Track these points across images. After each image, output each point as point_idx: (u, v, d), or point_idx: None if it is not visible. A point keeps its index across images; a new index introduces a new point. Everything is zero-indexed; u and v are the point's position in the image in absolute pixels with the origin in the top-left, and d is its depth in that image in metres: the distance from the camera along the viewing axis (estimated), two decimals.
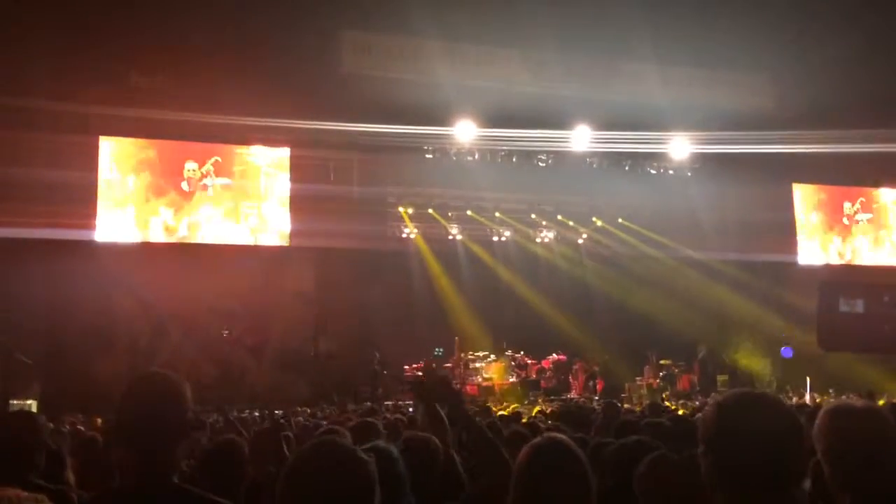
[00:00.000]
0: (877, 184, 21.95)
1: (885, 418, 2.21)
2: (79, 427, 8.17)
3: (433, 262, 19.67)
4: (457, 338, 18.35)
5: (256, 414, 10.48)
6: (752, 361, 18.59)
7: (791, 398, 13.23)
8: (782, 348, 17.94)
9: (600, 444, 4.07)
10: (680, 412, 8.46)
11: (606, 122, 17.13)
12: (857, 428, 2.17)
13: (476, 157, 18.44)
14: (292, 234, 17.64)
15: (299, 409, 12.49)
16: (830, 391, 15.34)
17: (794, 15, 14.50)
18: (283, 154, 18.03)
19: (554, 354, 18.83)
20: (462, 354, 18.21)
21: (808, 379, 15.47)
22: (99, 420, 9.53)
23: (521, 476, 2.41)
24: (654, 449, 3.34)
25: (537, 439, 2.55)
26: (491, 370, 18.05)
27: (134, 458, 2.29)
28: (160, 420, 2.28)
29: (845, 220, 21.88)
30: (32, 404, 14.01)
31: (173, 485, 2.27)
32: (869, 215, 22.10)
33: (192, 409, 2.37)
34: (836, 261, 21.38)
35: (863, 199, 22.09)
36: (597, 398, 15.77)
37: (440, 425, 3.33)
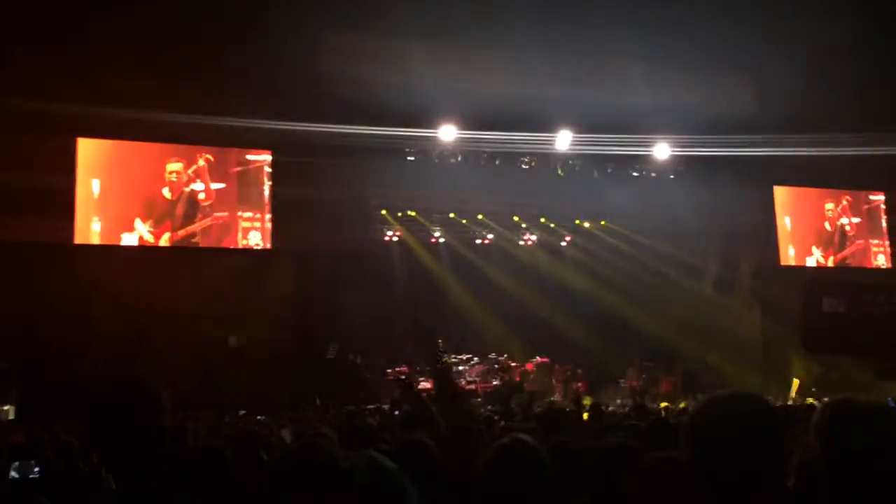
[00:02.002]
0: (859, 186, 22.13)
1: (892, 417, 2.10)
2: (59, 434, 8.02)
3: (416, 264, 19.65)
4: (440, 340, 18.30)
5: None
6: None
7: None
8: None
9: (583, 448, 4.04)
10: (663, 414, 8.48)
11: (589, 125, 17.20)
12: (860, 426, 2.06)
13: (459, 159, 18.44)
14: (274, 237, 17.54)
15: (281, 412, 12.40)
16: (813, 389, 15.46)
17: (776, 18, 14.61)
18: (265, 157, 17.91)
19: (537, 357, 18.86)
20: (445, 358, 18.17)
21: (796, 381, 15.54)
22: (77, 427, 9.38)
23: (485, 475, 2.43)
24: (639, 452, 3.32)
25: (502, 439, 2.57)
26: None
27: (109, 465, 2.25)
28: (135, 426, 2.23)
29: (827, 225, 22.00)
30: (10, 410, 13.83)
31: (150, 493, 2.21)
32: (853, 219, 22.21)
33: (170, 415, 2.31)
34: (817, 262, 21.54)
35: (845, 202, 22.23)
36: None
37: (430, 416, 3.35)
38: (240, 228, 17.61)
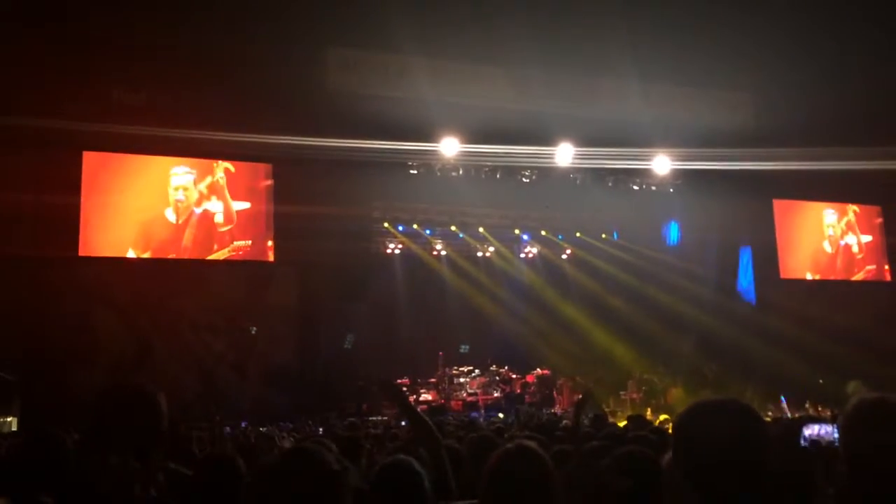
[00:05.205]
0: (856, 200, 22.05)
1: None
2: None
3: (417, 277, 19.71)
4: (441, 353, 18.38)
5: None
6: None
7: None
8: None
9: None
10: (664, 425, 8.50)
11: (589, 139, 17.27)
12: (888, 423, 1.98)
13: (460, 172, 18.51)
14: (276, 250, 17.54)
15: (282, 424, 12.45)
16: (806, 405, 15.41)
17: (773, 33, 14.72)
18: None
19: (538, 369, 18.87)
20: (446, 369, 18.24)
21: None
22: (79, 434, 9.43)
23: (488, 480, 2.45)
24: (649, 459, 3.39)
25: (507, 446, 2.58)
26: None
27: (108, 471, 2.25)
28: (133, 431, 2.25)
29: (827, 246, 21.73)
30: (13, 421, 13.86)
31: (150, 498, 2.26)
32: (863, 237, 21.85)
33: (167, 419, 2.34)
34: (815, 276, 21.45)
35: (853, 215, 22.03)
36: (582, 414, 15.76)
37: (427, 432, 3.38)
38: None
